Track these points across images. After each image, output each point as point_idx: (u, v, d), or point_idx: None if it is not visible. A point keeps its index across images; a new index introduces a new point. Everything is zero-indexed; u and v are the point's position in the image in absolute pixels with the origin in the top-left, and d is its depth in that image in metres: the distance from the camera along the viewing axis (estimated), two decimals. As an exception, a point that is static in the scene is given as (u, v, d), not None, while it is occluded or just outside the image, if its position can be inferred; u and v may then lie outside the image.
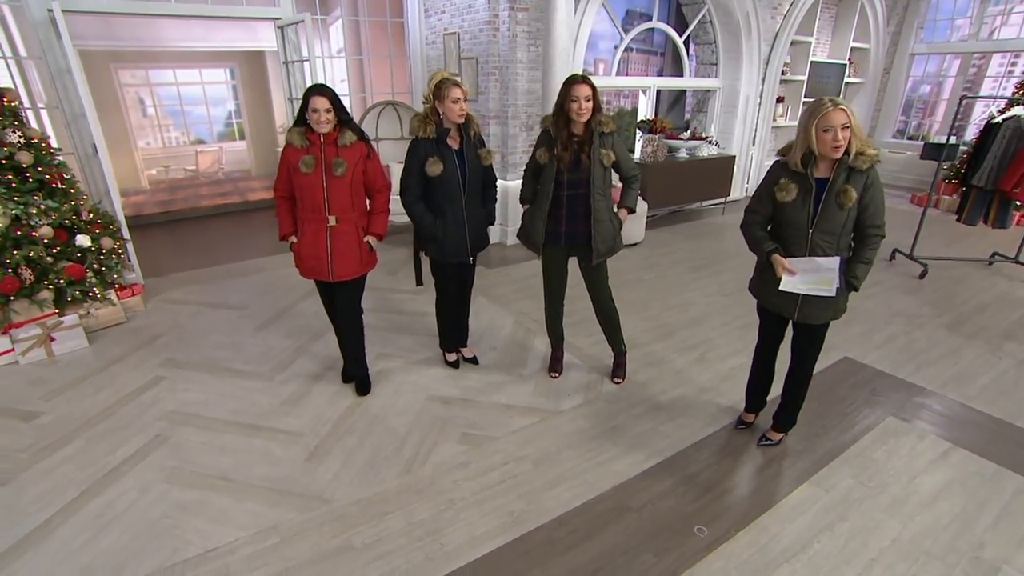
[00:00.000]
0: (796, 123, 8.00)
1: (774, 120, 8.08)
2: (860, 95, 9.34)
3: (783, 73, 7.88)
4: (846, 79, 8.78)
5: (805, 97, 8.31)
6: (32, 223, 3.57)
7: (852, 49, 8.66)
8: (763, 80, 7.49)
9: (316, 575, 2.02)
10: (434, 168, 2.81)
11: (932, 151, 5.18)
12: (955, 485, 2.47)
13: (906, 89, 9.57)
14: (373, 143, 6.11)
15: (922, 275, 4.99)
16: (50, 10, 4.02)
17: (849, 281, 2.25)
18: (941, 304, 4.42)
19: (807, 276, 2.24)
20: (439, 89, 2.74)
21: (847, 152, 2.11)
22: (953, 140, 5.16)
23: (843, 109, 2.05)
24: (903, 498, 2.39)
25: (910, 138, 9.72)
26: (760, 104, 7.65)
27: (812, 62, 8.10)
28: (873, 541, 2.17)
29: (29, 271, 3.55)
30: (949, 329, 3.99)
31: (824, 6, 8.13)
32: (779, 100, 8.13)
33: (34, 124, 4.49)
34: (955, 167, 7.64)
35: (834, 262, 2.21)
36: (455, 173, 2.87)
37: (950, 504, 2.36)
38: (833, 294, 2.24)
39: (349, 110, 2.74)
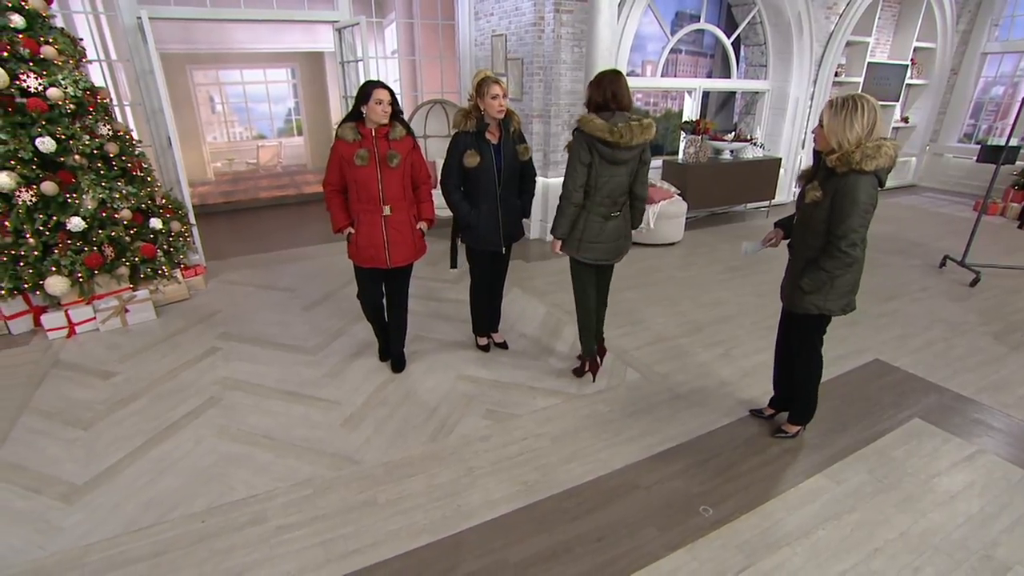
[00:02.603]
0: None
1: (826, 122, 7.85)
2: (923, 97, 8.97)
3: (837, 75, 7.68)
4: (908, 80, 8.45)
5: (861, 99, 8.04)
6: (115, 206, 3.97)
7: (915, 49, 8.33)
8: (814, 82, 7.32)
9: (342, 524, 2.24)
10: (471, 160, 2.98)
11: (989, 154, 4.95)
12: (976, 487, 2.44)
13: (976, 91, 9.08)
14: (421, 140, 6.43)
15: (974, 283, 4.79)
16: (139, 17, 4.47)
17: (798, 283, 2.31)
18: (990, 313, 4.25)
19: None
20: (481, 86, 2.91)
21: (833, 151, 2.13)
22: (1015, 142, 4.93)
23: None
24: (918, 496, 2.38)
25: (978, 142, 9.20)
26: (811, 107, 7.47)
27: (869, 63, 7.85)
28: (880, 533, 2.19)
29: (111, 249, 3.97)
30: (995, 338, 3.84)
31: (885, 5, 7.86)
32: (832, 102, 7.90)
33: (119, 119, 4.97)
34: (1027, 173, 7.24)
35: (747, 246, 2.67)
36: (491, 166, 3.03)
37: (967, 505, 2.34)
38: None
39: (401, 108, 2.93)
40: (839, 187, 2.09)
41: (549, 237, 6.32)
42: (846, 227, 2.10)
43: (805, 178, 2.36)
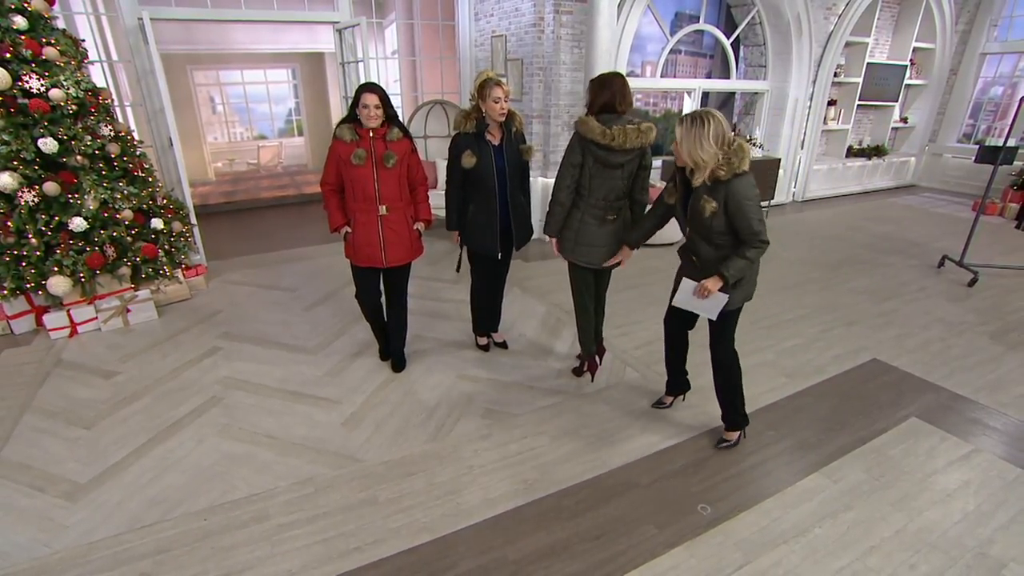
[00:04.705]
0: (848, 126, 7.71)
1: (825, 123, 7.89)
2: (922, 97, 8.99)
3: (836, 75, 7.70)
4: (907, 81, 8.47)
5: (860, 100, 8.08)
6: (117, 206, 3.99)
7: (914, 49, 8.36)
8: (813, 83, 7.34)
9: (343, 522, 2.26)
10: (468, 161, 2.99)
11: (987, 154, 4.96)
12: (972, 486, 2.46)
13: (975, 91, 9.09)
14: (421, 140, 6.45)
15: (972, 283, 4.81)
16: (140, 18, 4.49)
17: (720, 270, 2.30)
18: (988, 313, 4.27)
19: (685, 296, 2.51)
20: (483, 88, 2.91)
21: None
22: (1013, 142, 4.94)
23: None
24: (914, 494, 2.40)
25: (976, 143, 9.22)
26: (810, 107, 7.49)
27: (868, 63, 7.87)
28: (876, 531, 2.21)
29: (112, 249, 3.99)
30: (992, 338, 3.86)
31: (884, 5, 7.89)
32: (831, 103, 7.93)
33: (121, 119, 4.98)
34: (1024, 173, 7.27)
35: (688, 285, 2.44)
36: (490, 167, 3.04)
37: (963, 503, 2.36)
38: (714, 316, 2.45)
39: (400, 109, 2.94)
40: (729, 192, 2.18)
41: (547, 238, 6.35)
42: (753, 223, 2.20)
43: (675, 195, 2.46)
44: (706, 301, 2.40)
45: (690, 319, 2.78)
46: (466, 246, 3.28)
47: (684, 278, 2.47)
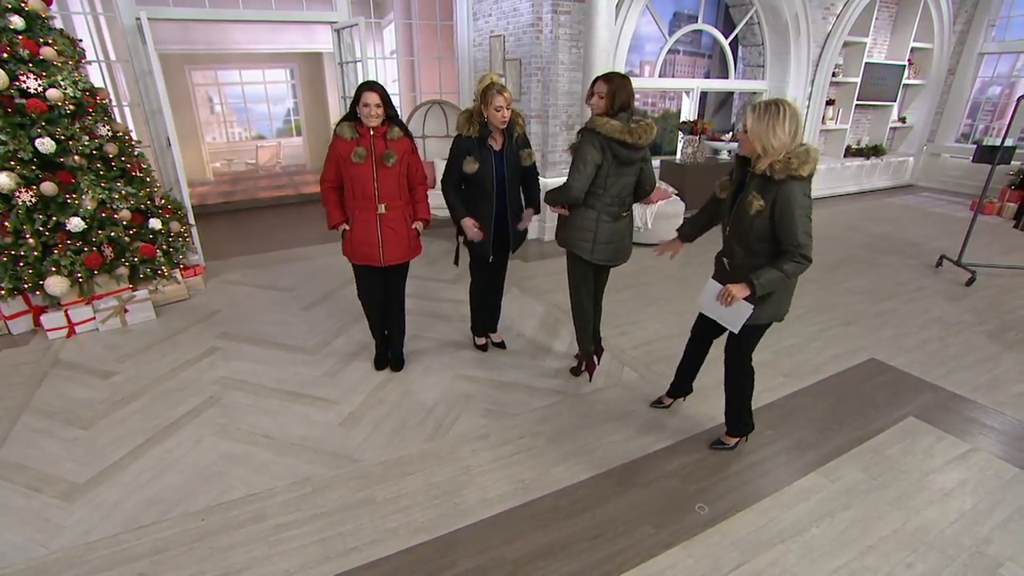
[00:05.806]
0: (846, 126, 7.72)
1: (823, 123, 7.89)
2: (921, 97, 9.00)
3: (834, 75, 7.70)
4: (905, 80, 8.48)
5: (858, 100, 8.09)
6: (114, 206, 3.98)
7: (913, 49, 8.37)
8: (811, 82, 7.34)
9: (341, 522, 2.26)
10: (470, 166, 2.98)
11: (985, 154, 4.98)
12: (969, 485, 2.46)
13: (973, 91, 9.11)
14: (419, 140, 6.45)
15: (969, 282, 4.82)
16: (138, 18, 4.49)
17: (749, 277, 2.17)
18: (985, 312, 4.28)
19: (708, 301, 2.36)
20: (485, 94, 2.88)
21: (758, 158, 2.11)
22: (1010, 142, 4.95)
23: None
24: (911, 493, 2.41)
25: (974, 142, 9.23)
26: (808, 107, 7.50)
27: (867, 63, 7.88)
28: (873, 530, 2.21)
29: (110, 249, 3.98)
30: (990, 337, 3.87)
31: (883, 5, 7.90)
32: (829, 103, 7.94)
33: (118, 119, 4.98)
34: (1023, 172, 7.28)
35: (712, 287, 2.32)
36: (490, 173, 3.03)
37: (960, 502, 2.36)
38: (736, 329, 2.32)
39: (399, 109, 2.92)
40: (780, 194, 2.06)
41: (547, 237, 6.38)
42: (800, 233, 2.06)
43: (727, 189, 2.34)
44: (728, 310, 2.26)
45: (717, 327, 2.63)
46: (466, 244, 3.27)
47: (710, 279, 2.36)
